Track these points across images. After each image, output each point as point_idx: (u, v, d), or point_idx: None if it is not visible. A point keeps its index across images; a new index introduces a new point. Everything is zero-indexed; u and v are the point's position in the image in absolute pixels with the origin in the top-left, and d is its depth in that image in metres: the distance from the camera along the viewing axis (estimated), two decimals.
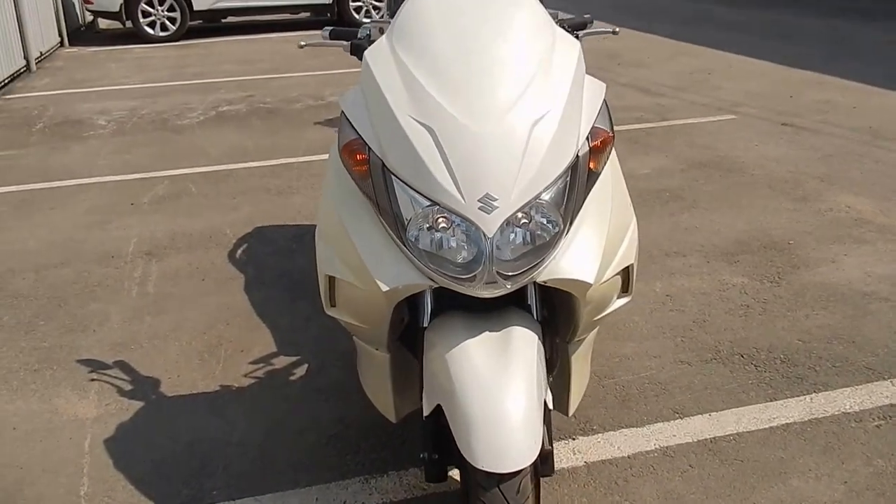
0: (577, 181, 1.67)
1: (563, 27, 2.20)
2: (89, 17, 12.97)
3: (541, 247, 1.64)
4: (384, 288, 1.69)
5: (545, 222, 1.63)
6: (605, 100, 1.81)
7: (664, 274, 3.52)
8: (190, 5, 11.01)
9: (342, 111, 1.77)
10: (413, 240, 1.63)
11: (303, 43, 2.35)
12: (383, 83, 1.71)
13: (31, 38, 9.20)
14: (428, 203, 1.60)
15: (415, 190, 1.61)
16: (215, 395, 2.71)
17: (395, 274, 1.70)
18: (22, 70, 8.93)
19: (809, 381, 2.66)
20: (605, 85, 1.87)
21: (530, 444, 1.57)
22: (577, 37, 2.16)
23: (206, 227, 4.27)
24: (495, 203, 1.57)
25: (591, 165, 1.72)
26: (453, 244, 1.61)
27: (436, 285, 1.69)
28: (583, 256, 1.72)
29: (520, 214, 1.59)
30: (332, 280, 1.81)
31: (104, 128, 6.49)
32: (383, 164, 1.65)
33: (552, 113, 1.65)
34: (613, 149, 1.98)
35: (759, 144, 5.36)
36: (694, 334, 3.00)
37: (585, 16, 2.28)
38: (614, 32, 2.34)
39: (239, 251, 3.94)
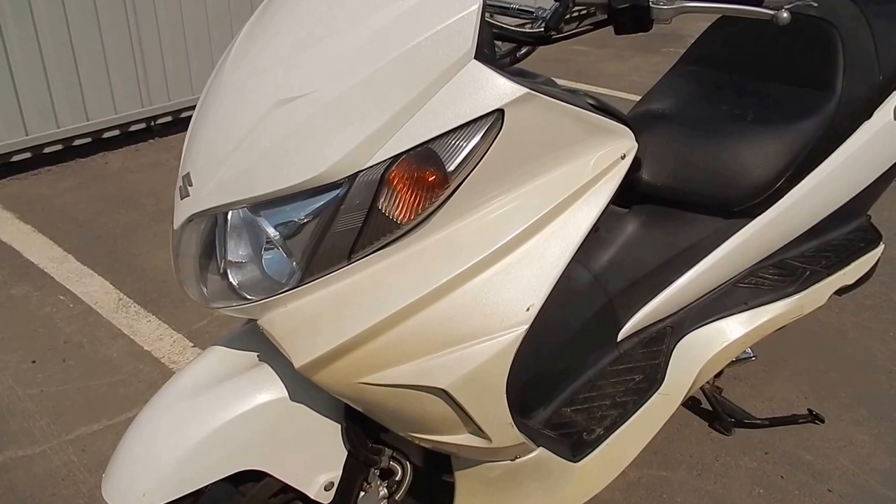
0: (341, 217, 1.10)
1: None
2: None
3: (252, 281, 1.18)
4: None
5: (268, 252, 1.16)
6: (500, 113, 1.11)
7: None
8: None
9: None
10: None
11: None
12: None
13: None
14: None
15: None
16: None
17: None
18: None
19: None
20: (522, 90, 1.12)
21: (156, 487, 1.23)
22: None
23: None
24: (190, 189, 1.19)
25: (389, 209, 1.11)
26: None
27: None
28: (317, 325, 1.15)
29: (232, 221, 1.17)
30: None
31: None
32: None
33: (316, 96, 1.09)
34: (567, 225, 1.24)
35: None
36: None
37: None
38: None
39: None
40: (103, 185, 3.61)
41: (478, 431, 1.27)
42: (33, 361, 2.36)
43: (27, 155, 3.67)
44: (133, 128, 4.08)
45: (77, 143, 3.86)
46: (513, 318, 1.18)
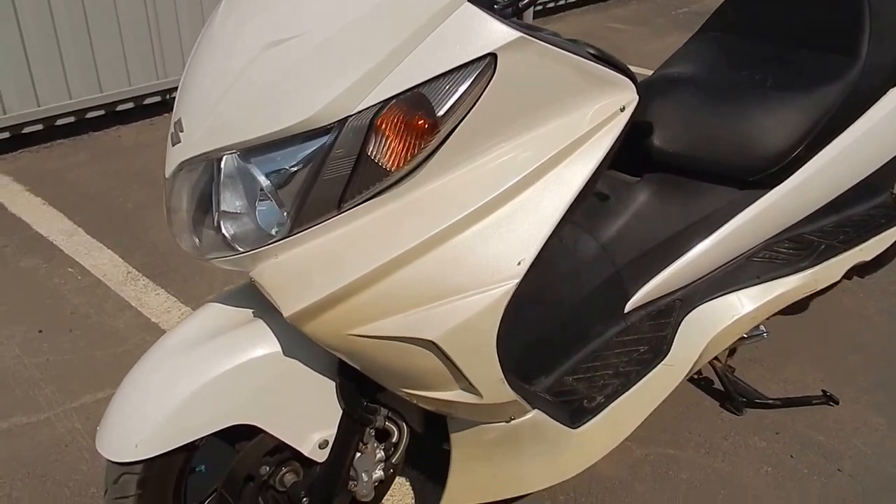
0: (330, 164, 1.08)
1: None
2: None
3: (245, 233, 1.17)
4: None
5: (262, 204, 1.15)
6: (493, 58, 1.08)
7: None
8: None
9: None
10: None
11: None
12: None
13: None
14: None
15: None
16: None
17: None
18: None
19: None
20: (515, 34, 1.08)
21: (148, 439, 1.24)
22: None
23: None
24: (181, 135, 1.18)
25: (379, 155, 1.09)
26: None
27: None
28: (308, 275, 1.13)
29: (225, 170, 1.15)
30: None
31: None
32: None
33: (304, 39, 1.07)
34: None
35: None
36: None
37: None
38: None
39: None
40: (116, 159, 3.61)
41: (469, 388, 1.25)
42: (40, 331, 2.37)
43: (39, 127, 3.67)
44: (148, 101, 4.07)
45: (90, 115, 3.85)
46: (504, 271, 1.16)
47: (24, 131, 3.62)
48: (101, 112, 3.89)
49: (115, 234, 2.91)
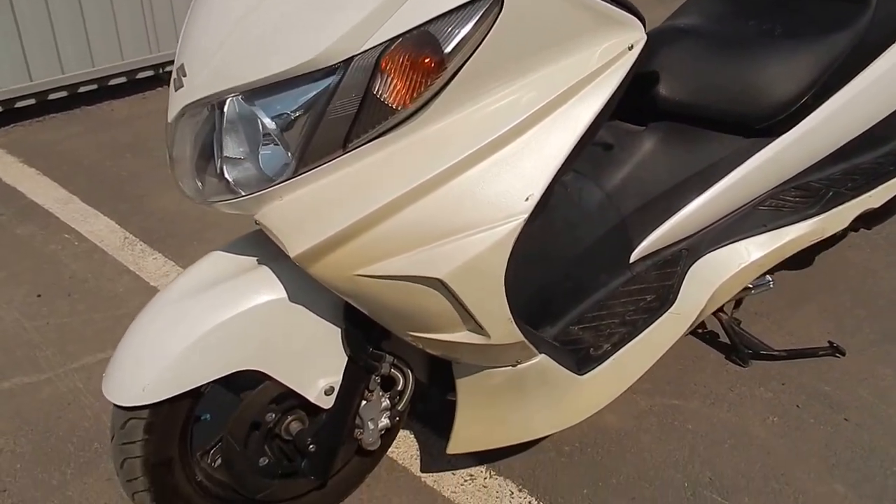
0: (336, 103, 1.06)
1: None
2: None
3: (247, 178, 1.15)
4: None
5: (265, 148, 1.13)
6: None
7: None
8: None
9: None
10: None
11: None
12: None
13: None
14: None
15: None
16: None
17: None
18: None
19: None
20: None
21: (154, 384, 1.23)
22: None
23: None
24: (184, 79, 1.16)
25: (385, 94, 1.07)
26: None
27: None
28: (313, 215, 1.11)
29: (228, 115, 1.13)
30: None
31: None
32: None
33: None
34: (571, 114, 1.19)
35: None
36: None
37: None
38: None
39: None
40: (109, 132, 3.57)
41: (476, 328, 1.23)
42: (38, 295, 2.34)
43: (31, 101, 3.63)
44: (140, 75, 4.03)
45: (83, 89, 3.81)
46: (512, 207, 1.14)
47: (16, 106, 3.58)
48: (94, 86, 3.85)
49: (111, 202, 2.89)
